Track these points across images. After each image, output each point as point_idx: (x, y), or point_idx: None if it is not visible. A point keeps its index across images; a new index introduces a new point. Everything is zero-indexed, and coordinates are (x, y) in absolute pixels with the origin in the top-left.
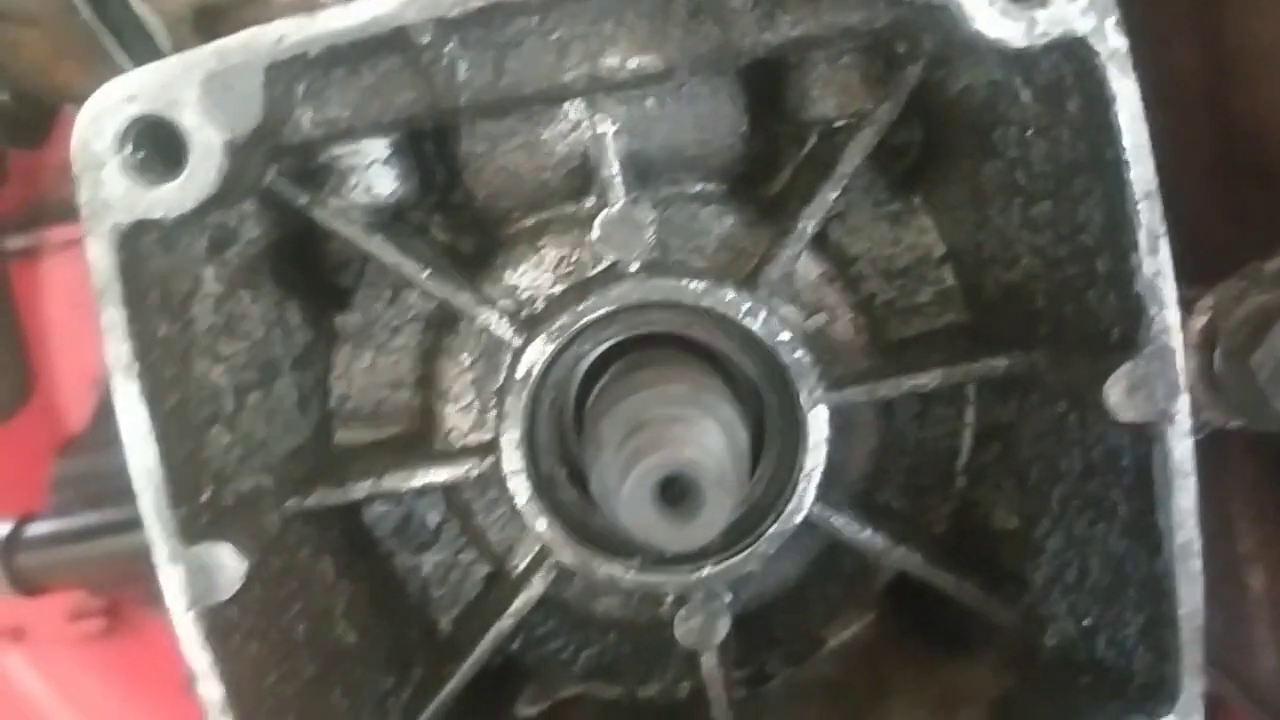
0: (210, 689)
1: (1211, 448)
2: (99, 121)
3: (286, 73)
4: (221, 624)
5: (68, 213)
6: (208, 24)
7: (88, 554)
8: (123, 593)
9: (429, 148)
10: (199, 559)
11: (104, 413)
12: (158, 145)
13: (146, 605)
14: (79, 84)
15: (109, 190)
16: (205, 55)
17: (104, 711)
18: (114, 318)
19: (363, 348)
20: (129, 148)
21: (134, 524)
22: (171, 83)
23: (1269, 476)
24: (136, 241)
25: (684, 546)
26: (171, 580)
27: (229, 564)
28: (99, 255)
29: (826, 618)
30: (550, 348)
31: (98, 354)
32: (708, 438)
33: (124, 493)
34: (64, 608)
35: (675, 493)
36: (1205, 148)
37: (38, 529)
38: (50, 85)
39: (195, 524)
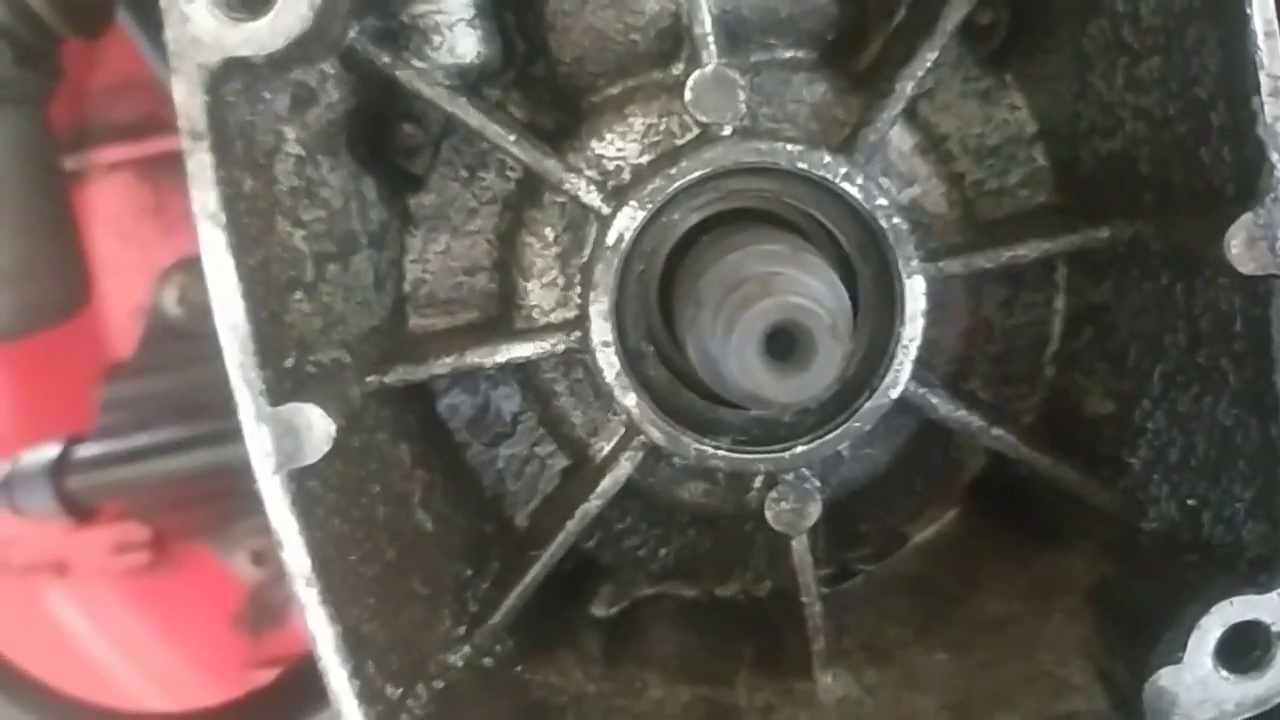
0: (296, 558)
1: None
2: None
3: None
4: (307, 493)
5: (115, 135)
6: None
7: (138, 475)
8: (168, 524)
9: (509, 18)
10: (287, 419)
11: (150, 339)
12: None
13: (192, 537)
14: None
15: (197, 26)
16: None
17: (147, 646)
18: (202, 162)
19: (437, 231)
20: None
21: (184, 445)
22: None
23: None
24: (222, 85)
25: (795, 399)
26: (259, 441)
27: (317, 425)
28: (186, 95)
29: (911, 514)
30: (642, 214)
31: (143, 282)
32: (814, 289)
33: (172, 415)
34: (108, 541)
35: (785, 343)
36: None
37: (87, 451)
38: None
39: (281, 386)
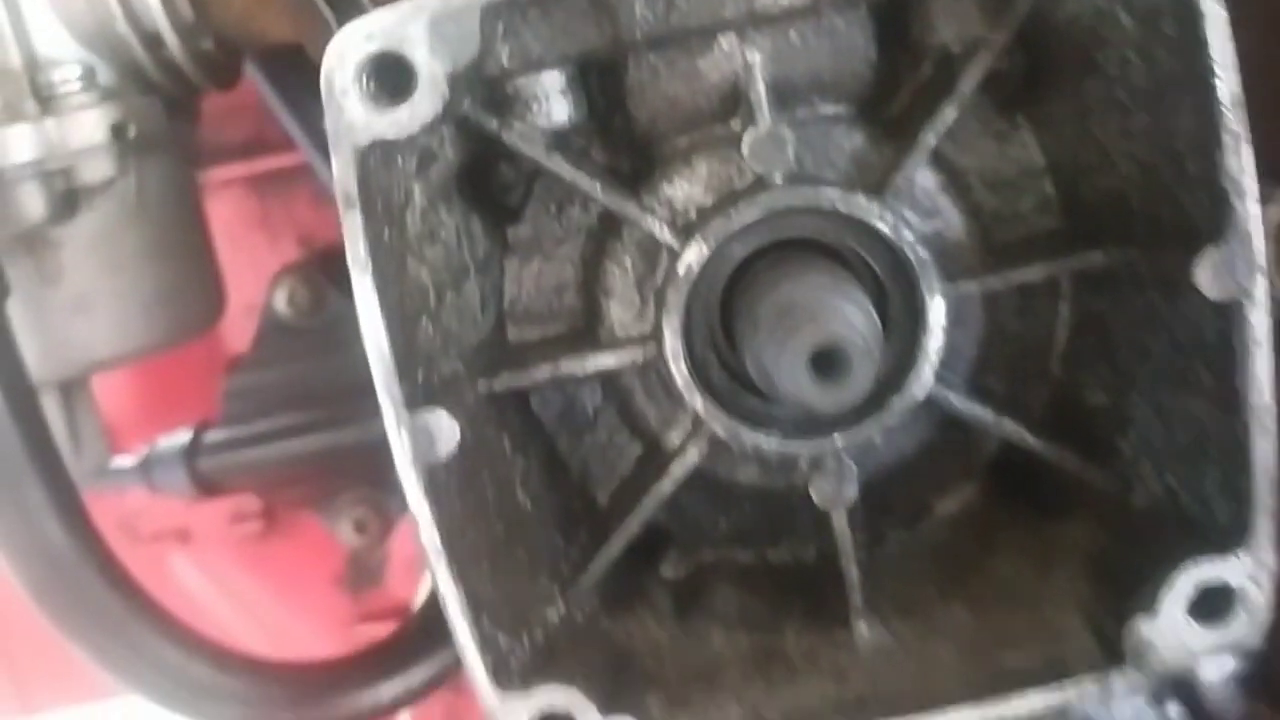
0: (429, 535)
1: None
2: (343, 58)
3: (494, 13)
4: (436, 483)
5: (226, 155)
6: None
7: (259, 457)
8: (281, 498)
9: (594, 80)
10: (421, 423)
11: (264, 336)
12: (389, 77)
13: (301, 508)
14: (274, 32)
15: (350, 116)
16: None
17: (261, 606)
18: (355, 223)
19: (531, 257)
20: (366, 79)
21: (297, 430)
22: (403, 23)
23: None
24: (369, 159)
25: (834, 408)
26: (400, 443)
27: (445, 427)
28: (342, 170)
29: (936, 489)
30: (707, 249)
31: (253, 284)
32: (851, 316)
33: (286, 402)
34: (225, 512)
35: (827, 362)
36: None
37: (214, 436)
38: (248, 34)
39: (414, 396)
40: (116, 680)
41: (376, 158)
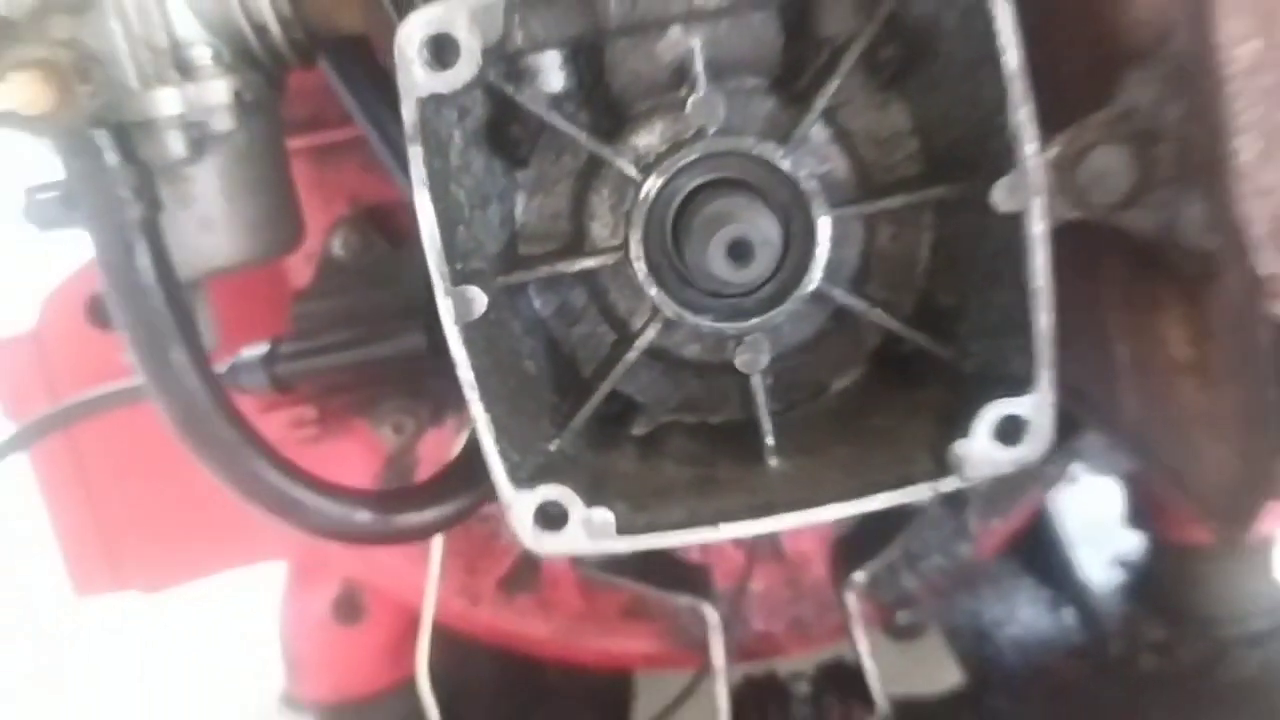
0: (466, 374)
1: (1084, 249)
2: (410, 36)
3: (512, 7)
4: (470, 337)
5: (291, 129)
6: None
7: (322, 363)
8: (332, 405)
9: (582, 59)
10: (460, 293)
11: (323, 273)
12: (440, 50)
13: (349, 416)
14: (347, 24)
15: (414, 76)
16: None
17: None
18: (417, 153)
19: (535, 193)
20: (425, 51)
21: (352, 344)
22: (451, 12)
23: (1130, 272)
24: (426, 107)
25: (745, 282)
26: (445, 307)
27: (476, 298)
28: (409, 115)
29: (831, 371)
30: (660, 181)
31: (312, 236)
32: (758, 219)
33: (342, 324)
34: (286, 420)
35: (738, 250)
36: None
37: (286, 348)
38: (329, 25)
39: (456, 277)
40: (238, 496)
41: (431, 107)
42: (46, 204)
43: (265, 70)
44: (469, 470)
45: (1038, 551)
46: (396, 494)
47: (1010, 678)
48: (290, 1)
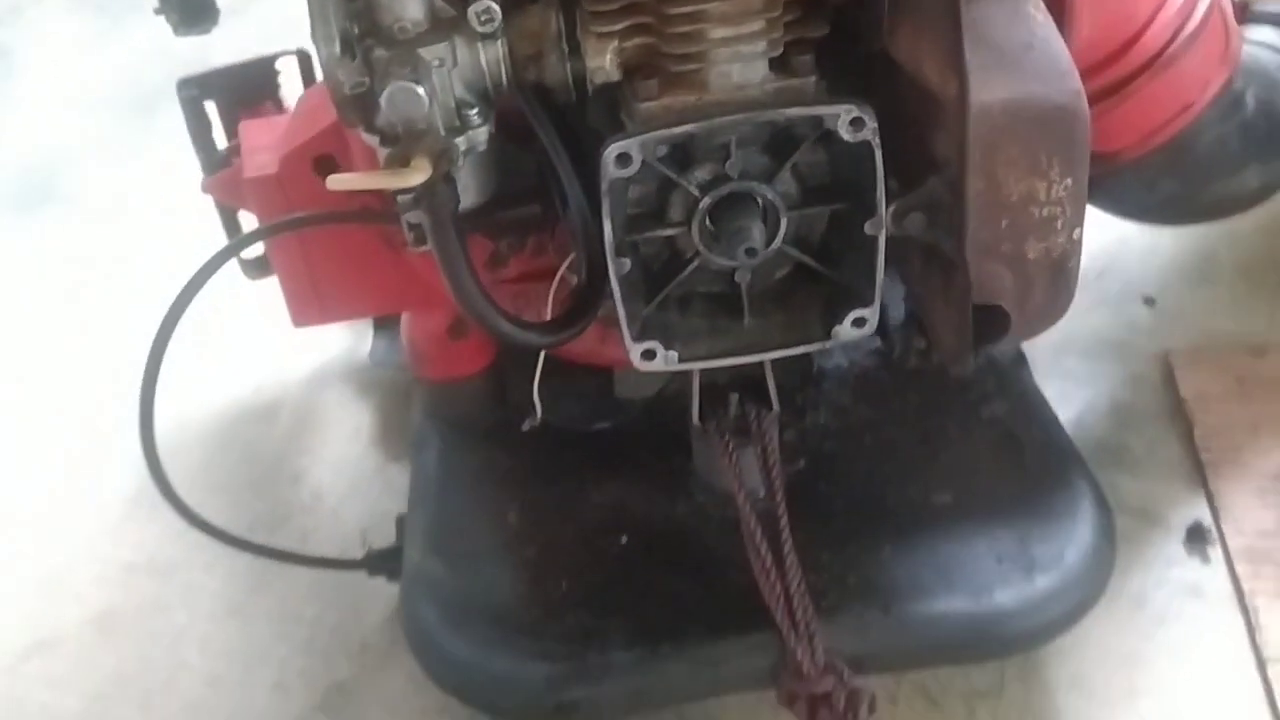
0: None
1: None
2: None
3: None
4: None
5: None
6: None
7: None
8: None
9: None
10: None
11: None
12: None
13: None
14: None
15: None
16: None
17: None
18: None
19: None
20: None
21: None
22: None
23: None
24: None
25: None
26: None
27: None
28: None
29: (776, 270)
30: (709, 201)
31: None
32: (757, 228)
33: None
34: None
35: (750, 253)
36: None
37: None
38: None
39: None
40: (456, 300)
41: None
42: None
43: None
44: (584, 309)
45: None
46: (543, 325)
47: (825, 368)
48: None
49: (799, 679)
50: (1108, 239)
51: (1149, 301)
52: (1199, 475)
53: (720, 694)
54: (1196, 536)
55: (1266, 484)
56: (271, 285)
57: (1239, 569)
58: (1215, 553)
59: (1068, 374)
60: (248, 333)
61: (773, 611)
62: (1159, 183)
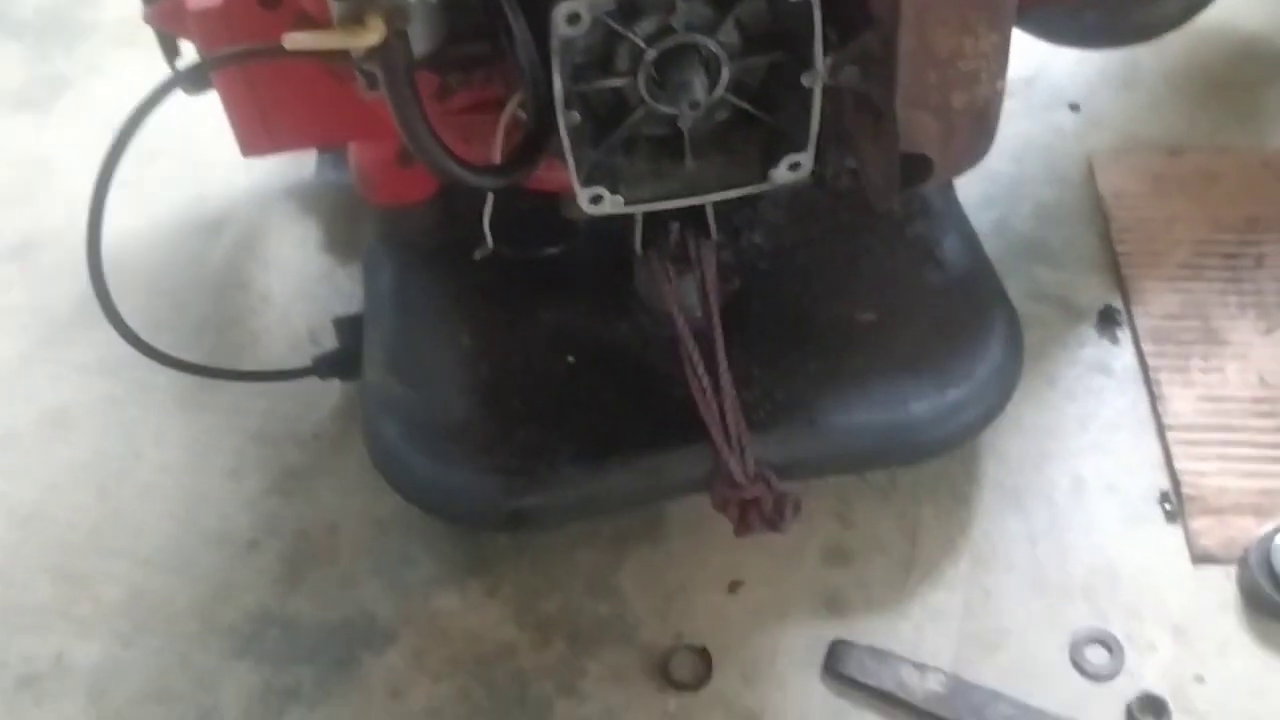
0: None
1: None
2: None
3: None
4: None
5: None
6: None
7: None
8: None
9: None
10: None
11: None
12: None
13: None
14: None
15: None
16: None
17: None
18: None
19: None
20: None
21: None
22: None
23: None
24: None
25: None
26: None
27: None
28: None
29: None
30: (655, 52)
31: None
32: (700, 80)
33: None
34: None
35: (693, 104)
36: None
37: None
38: None
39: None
40: (405, 138)
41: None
42: None
43: None
44: (533, 153)
45: None
46: (493, 167)
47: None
48: None
49: (731, 486)
50: (1040, 50)
51: (1074, 107)
52: (1113, 266)
53: (660, 500)
54: (1107, 319)
55: (1176, 272)
56: (215, 106)
57: (1145, 347)
58: (1124, 334)
59: (995, 177)
60: (191, 152)
61: (708, 426)
62: (1084, 12)
